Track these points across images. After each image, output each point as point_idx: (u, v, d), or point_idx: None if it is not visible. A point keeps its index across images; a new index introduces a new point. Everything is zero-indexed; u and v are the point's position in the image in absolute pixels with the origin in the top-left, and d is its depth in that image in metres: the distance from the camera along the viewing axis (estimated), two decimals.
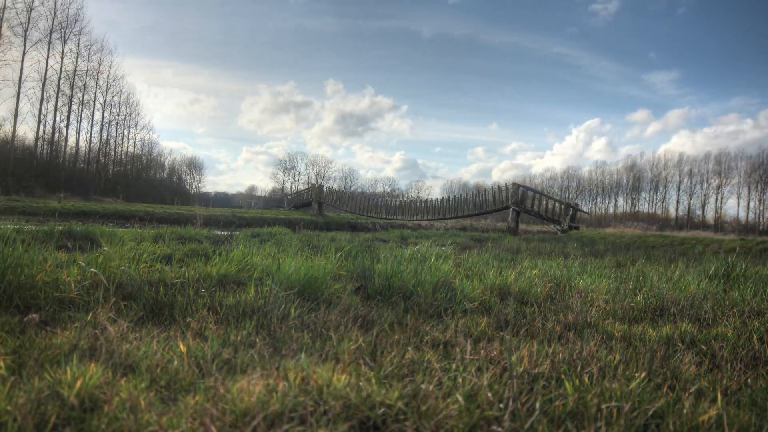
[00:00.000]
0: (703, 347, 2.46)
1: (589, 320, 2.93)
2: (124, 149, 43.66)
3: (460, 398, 1.50)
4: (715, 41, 68.63)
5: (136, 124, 43.94)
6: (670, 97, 74.24)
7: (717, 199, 50.57)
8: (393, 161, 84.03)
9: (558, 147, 79.53)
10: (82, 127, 38.05)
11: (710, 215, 50.91)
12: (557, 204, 20.73)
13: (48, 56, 32.87)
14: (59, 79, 34.16)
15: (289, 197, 31.59)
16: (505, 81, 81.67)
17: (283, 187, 62.81)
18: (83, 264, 3.03)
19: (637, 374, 1.86)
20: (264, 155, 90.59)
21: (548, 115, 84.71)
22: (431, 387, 1.57)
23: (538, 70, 78.64)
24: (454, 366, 1.88)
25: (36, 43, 31.92)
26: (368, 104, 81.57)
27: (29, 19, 31.08)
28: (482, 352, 2.13)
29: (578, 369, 1.91)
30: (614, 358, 2.11)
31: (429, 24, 78.28)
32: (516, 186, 20.64)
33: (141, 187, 42.17)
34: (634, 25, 70.32)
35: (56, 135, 35.34)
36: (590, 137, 79.16)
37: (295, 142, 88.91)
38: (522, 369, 1.86)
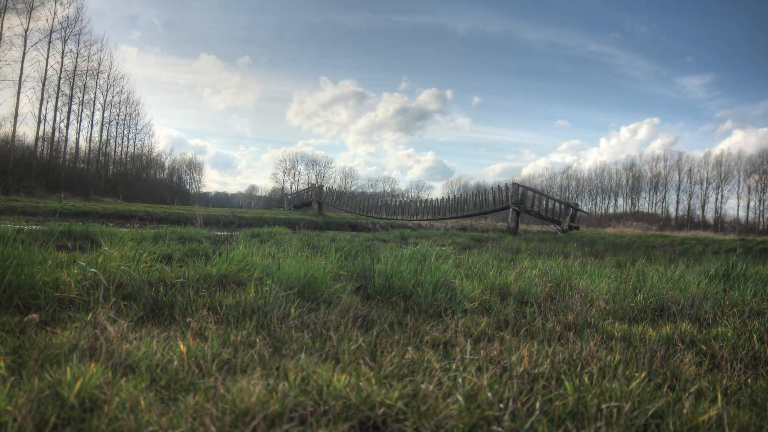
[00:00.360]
0: (703, 347, 2.46)
1: (589, 320, 2.93)
2: (125, 149, 43.69)
3: (460, 398, 1.50)
4: (745, 45, 67.89)
5: (136, 124, 43.99)
6: (700, 99, 73.32)
7: (717, 199, 50.61)
8: (423, 161, 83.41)
9: (606, 144, 77.65)
10: (82, 127, 38.09)
11: (710, 215, 50.93)
12: (557, 204, 20.73)
13: (48, 56, 32.90)
14: (59, 79, 34.19)
15: (289, 197, 31.57)
16: (541, 79, 79.91)
17: (283, 187, 62.84)
18: (83, 264, 3.03)
19: (637, 374, 1.86)
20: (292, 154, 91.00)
21: (586, 114, 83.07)
22: (431, 387, 1.57)
23: (573, 69, 76.64)
24: (454, 366, 1.88)
25: (36, 42, 31.95)
26: (432, 99, 79.90)
27: (29, 18, 31.11)
28: (482, 352, 2.12)
29: (578, 369, 1.91)
30: (614, 358, 2.11)
31: (463, 20, 75.76)
32: (516, 186, 20.64)
33: (141, 187, 42.18)
34: (673, 28, 69.65)
35: (56, 135, 35.36)
36: (654, 133, 77.04)
37: (338, 139, 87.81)
38: (522, 369, 1.86)
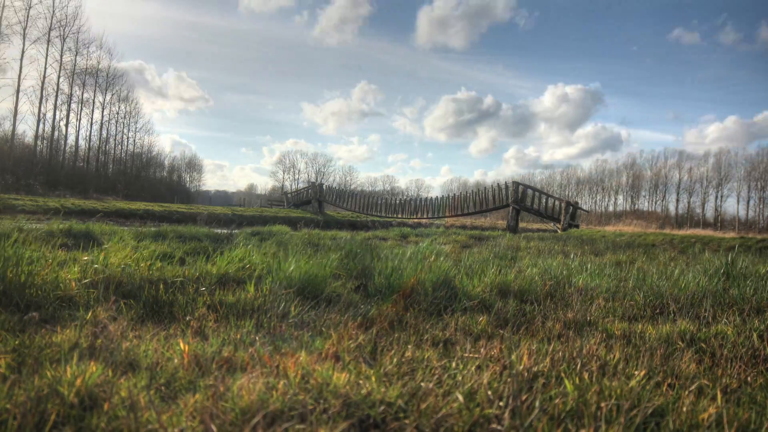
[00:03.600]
0: (703, 345, 2.46)
1: (588, 318, 2.93)
2: (124, 147, 43.66)
3: (460, 396, 1.50)
4: None
5: (136, 123, 43.95)
6: None
7: (717, 197, 50.62)
8: None
9: None
10: (81, 126, 38.04)
11: (710, 213, 50.96)
12: (557, 202, 20.72)
13: (47, 55, 32.81)
14: (58, 77, 34.11)
15: (289, 196, 31.53)
16: None
17: (282, 185, 62.86)
18: (84, 261, 3.03)
19: (636, 372, 1.86)
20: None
21: None
22: (431, 385, 1.57)
23: None
24: (453, 364, 1.88)
25: (35, 41, 31.86)
26: None
27: (27, 17, 31.00)
28: (482, 350, 2.13)
29: (578, 367, 1.91)
30: (614, 356, 2.11)
31: None
32: (516, 184, 20.64)
33: (141, 186, 42.16)
34: None
35: (56, 133, 35.31)
36: None
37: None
38: (522, 367, 1.86)
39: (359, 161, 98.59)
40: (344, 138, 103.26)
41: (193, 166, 60.40)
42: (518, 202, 20.26)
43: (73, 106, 36.48)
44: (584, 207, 49.83)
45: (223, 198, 65.18)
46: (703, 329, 2.78)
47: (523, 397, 1.55)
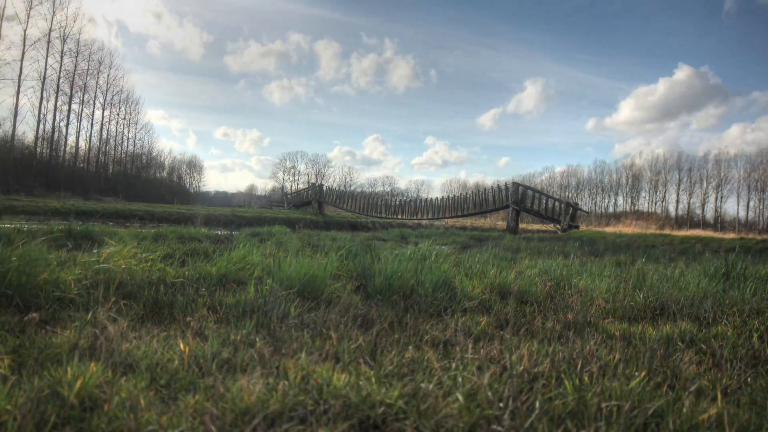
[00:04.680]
0: (703, 346, 2.46)
1: (589, 319, 2.93)
2: (124, 148, 43.70)
3: (460, 397, 1.50)
4: None
5: (136, 123, 44.00)
6: None
7: (717, 198, 50.62)
8: None
9: None
10: (81, 127, 38.12)
11: (710, 214, 50.98)
12: (557, 203, 20.73)
13: (47, 55, 32.86)
14: (59, 78, 34.16)
15: (289, 196, 31.51)
16: None
17: (282, 186, 62.87)
18: (84, 262, 3.03)
19: (637, 373, 1.86)
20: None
21: None
22: (431, 386, 1.57)
23: None
24: (454, 365, 1.88)
25: (35, 42, 31.90)
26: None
27: (28, 17, 31.07)
28: (482, 351, 2.12)
29: (578, 368, 1.90)
30: (614, 357, 2.11)
31: None
32: (516, 185, 20.65)
33: (141, 187, 42.19)
34: None
35: (56, 134, 35.34)
36: None
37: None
38: (522, 368, 1.86)
39: (458, 163, 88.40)
40: (477, 141, 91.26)
41: (194, 166, 60.48)
42: (518, 203, 20.27)
43: (74, 106, 36.58)
44: (584, 208, 49.84)
45: (222, 199, 65.20)
46: (704, 330, 2.78)
47: (523, 398, 1.55)
